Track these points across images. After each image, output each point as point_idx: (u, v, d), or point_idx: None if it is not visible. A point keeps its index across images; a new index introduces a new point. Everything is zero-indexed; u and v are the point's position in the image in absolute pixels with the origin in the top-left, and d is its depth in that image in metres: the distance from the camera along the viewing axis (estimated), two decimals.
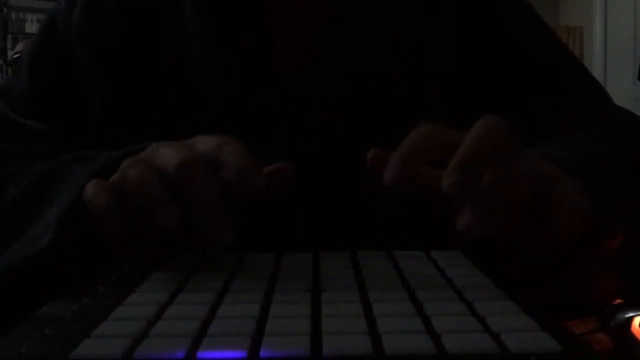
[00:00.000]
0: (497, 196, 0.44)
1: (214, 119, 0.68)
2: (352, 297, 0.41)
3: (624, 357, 0.34)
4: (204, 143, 0.52)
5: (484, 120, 0.46)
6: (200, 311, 0.38)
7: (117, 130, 0.71)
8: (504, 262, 0.46)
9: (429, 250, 0.52)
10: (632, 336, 0.36)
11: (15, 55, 3.53)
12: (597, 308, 0.40)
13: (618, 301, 0.42)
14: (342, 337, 0.34)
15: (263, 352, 0.32)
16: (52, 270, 0.51)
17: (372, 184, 0.51)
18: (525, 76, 0.72)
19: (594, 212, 0.49)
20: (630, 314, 0.37)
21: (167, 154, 0.49)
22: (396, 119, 0.70)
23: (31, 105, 0.72)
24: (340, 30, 0.70)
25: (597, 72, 4.24)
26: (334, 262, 0.50)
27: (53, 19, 0.75)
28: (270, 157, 0.67)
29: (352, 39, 0.70)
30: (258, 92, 0.69)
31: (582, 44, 4.73)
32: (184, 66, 0.70)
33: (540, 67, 0.73)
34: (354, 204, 0.65)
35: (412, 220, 0.62)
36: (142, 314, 0.38)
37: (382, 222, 0.63)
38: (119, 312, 0.39)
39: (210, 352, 0.32)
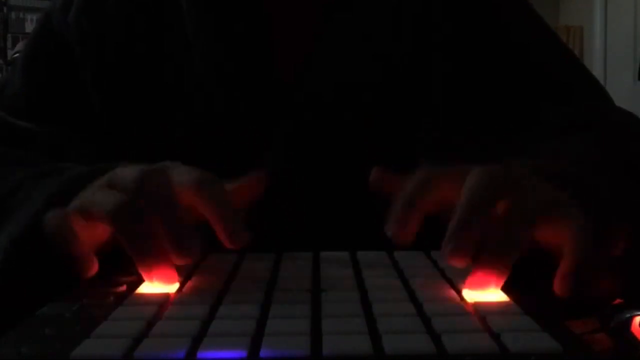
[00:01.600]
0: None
1: (212, 120, 0.68)
2: (352, 297, 0.41)
3: (624, 357, 0.34)
4: (180, 174, 0.48)
5: (476, 173, 0.46)
6: (200, 311, 0.38)
7: (116, 130, 0.71)
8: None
9: (429, 251, 0.52)
10: (632, 336, 0.36)
11: (15, 55, 3.53)
12: (597, 308, 0.40)
13: (618, 301, 0.42)
14: (342, 337, 0.34)
15: (263, 352, 0.32)
16: (4, 291, 0.51)
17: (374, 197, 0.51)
18: (524, 77, 0.72)
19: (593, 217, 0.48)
20: (630, 314, 0.37)
21: (135, 180, 0.47)
22: (394, 120, 0.70)
23: (27, 105, 0.72)
24: (337, 33, 0.70)
25: (597, 72, 4.24)
26: (334, 262, 0.50)
27: (48, 19, 0.75)
28: (269, 158, 0.68)
29: (349, 42, 0.70)
30: (256, 94, 0.69)
31: (582, 44, 4.73)
32: (183, 67, 0.70)
33: (540, 68, 0.73)
34: (354, 204, 0.65)
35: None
36: (142, 314, 0.38)
37: (382, 222, 0.63)
38: (119, 312, 0.39)
39: (210, 352, 0.32)
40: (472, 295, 0.41)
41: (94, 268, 0.46)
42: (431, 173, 0.48)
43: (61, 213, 0.47)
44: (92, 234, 0.48)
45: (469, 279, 0.42)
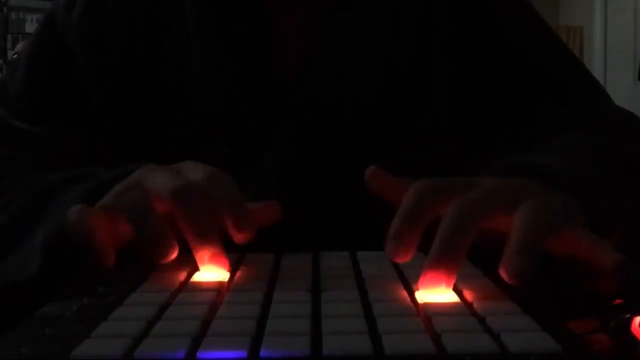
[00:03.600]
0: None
1: (212, 120, 0.68)
2: (352, 297, 0.41)
3: (624, 357, 0.34)
4: (194, 171, 0.51)
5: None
6: (200, 311, 0.38)
7: (116, 130, 0.71)
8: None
9: (427, 243, 0.52)
10: (632, 336, 0.36)
11: (15, 55, 3.53)
12: (597, 308, 0.40)
13: (618, 301, 0.42)
14: (342, 337, 0.34)
15: (263, 352, 0.32)
16: (40, 290, 0.51)
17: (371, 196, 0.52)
18: (525, 77, 0.72)
19: (588, 217, 0.48)
20: (630, 314, 0.37)
21: (160, 181, 0.49)
22: (394, 120, 0.70)
23: (30, 106, 0.72)
24: (337, 33, 0.70)
25: (597, 72, 4.24)
26: (334, 262, 0.50)
27: (51, 19, 0.75)
28: (270, 157, 0.68)
29: (349, 42, 0.70)
30: (256, 94, 0.69)
31: (582, 44, 4.73)
32: (183, 67, 0.70)
33: (540, 68, 0.73)
34: (354, 203, 0.65)
35: None
36: (142, 314, 0.38)
37: (382, 222, 0.63)
38: (119, 312, 0.39)
39: (210, 352, 0.32)
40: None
41: (112, 259, 0.47)
42: (428, 189, 0.47)
43: (79, 207, 0.48)
44: (113, 230, 0.48)
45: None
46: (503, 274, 0.42)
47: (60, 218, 0.50)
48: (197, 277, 0.46)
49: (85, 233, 0.47)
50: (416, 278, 0.43)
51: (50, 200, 0.56)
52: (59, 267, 0.50)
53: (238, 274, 0.47)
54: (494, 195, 0.46)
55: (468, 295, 0.41)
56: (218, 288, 0.43)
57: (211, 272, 0.46)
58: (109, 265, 0.47)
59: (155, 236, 0.47)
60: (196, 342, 0.33)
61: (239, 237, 0.49)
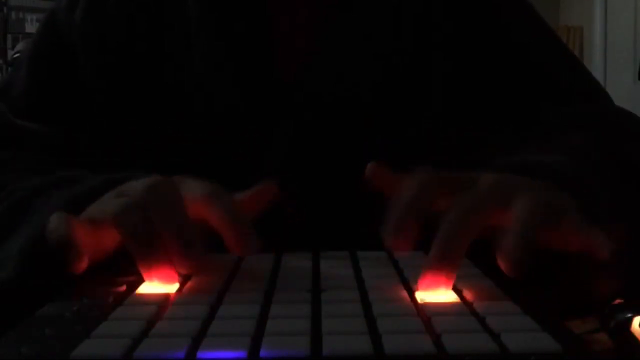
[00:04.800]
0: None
1: (212, 120, 0.68)
2: (352, 297, 0.41)
3: (624, 357, 0.34)
4: (192, 187, 0.49)
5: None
6: (200, 311, 0.38)
7: (116, 130, 0.71)
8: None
9: (429, 251, 0.52)
10: (632, 336, 0.36)
11: (15, 55, 3.53)
12: (597, 308, 0.40)
13: (618, 301, 0.42)
14: (342, 337, 0.34)
15: (263, 352, 0.32)
16: (16, 296, 0.51)
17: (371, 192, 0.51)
18: (525, 77, 0.72)
19: (587, 216, 0.49)
20: (630, 314, 0.37)
21: (152, 192, 0.47)
22: (394, 120, 0.70)
23: (31, 105, 0.72)
24: (337, 33, 0.70)
25: (597, 72, 4.24)
26: (334, 262, 0.50)
27: (53, 19, 0.75)
28: (270, 157, 0.68)
29: (349, 42, 0.70)
30: (256, 94, 0.69)
31: (582, 44, 4.73)
32: (184, 67, 0.70)
33: (540, 68, 0.73)
34: (354, 204, 0.65)
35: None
36: (142, 314, 0.38)
37: (382, 222, 0.63)
38: (119, 312, 0.39)
39: (210, 352, 0.32)
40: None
41: (83, 265, 0.46)
42: (427, 179, 0.47)
43: (62, 214, 0.48)
44: (96, 242, 0.48)
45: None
46: (501, 264, 0.42)
47: (44, 221, 0.49)
48: (197, 277, 0.46)
49: (62, 239, 0.46)
50: (416, 278, 0.43)
51: (36, 202, 0.55)
52: (37, 271, 0.50)
53: (238, 274, 0.47)
54: (492, 194, 0.47)
55: (468, 295, 0.41)
56: (218, 288, 0.43)
57: (211, 272, 0.46)
58: (79, 272, 0.46)
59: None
60: (196, 342, 0.33)
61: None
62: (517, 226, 0.43)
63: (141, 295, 0.43)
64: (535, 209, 0.44)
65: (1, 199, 0.58)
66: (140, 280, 0.45)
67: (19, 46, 3.72)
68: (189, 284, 0.45)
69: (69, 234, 0.46)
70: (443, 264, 0.42)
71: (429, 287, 0.41)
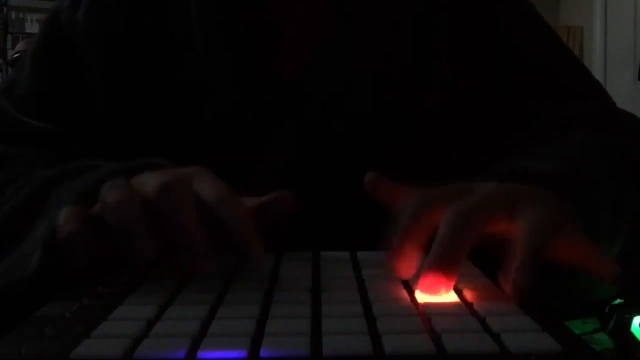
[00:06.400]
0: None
1: (215, 119, 0.68)
2: (352, 297, 0.41)
3: (624, 357, 0.34)
4: (205, 187, 0.49)
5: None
6: (200, 311, 0.38)
7: (122, 128, 0.71)
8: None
9: (429, 251, 0.52)
10: (632, 336, 0.36)
11: (16, 55, 3.53)
12: (597, 308, 0.40)
13: (618, 301, 0.42)
14: (342, 337, 0.34)
15: (263, 352, 0.32)
16: (40, 287, 0.51)
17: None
18: (525, 78, 0.72)
19: (589, 220, 0.48)
20: (630, 314, 0.37)
21: (147, 181, 0.48)
22: (395, 121, 0.70)
23: (36, 104, 0.72)
24: (340, 34, 0.70)
25: (597, 72, 4.24)
26: (334, 262, 0.50)
27: (56, 17, 0.75)
28: (271, 158, 0.68)
29: (351, 43, 0.70)
30: (259, 94, 0.69)
31: (582, 44, 4.73)
32: (187, 67, 0.70)
33: (540, 69, 0.73)
34: (354, 204, 0.65)
35: None
36: (142, 314, 0.38)
37: (382, 223, 0.63)
38: (119, 312, 0.39)
39: (210, 352, 0.32)
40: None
41: (82, 264, 0.46)
42: (427, 201, 0.46)
43: (67, 209, 0.48)
44: (102, 236, 0.48)
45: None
46: (504, 288, 0.42)
47: (54, 218, 0.50)
48: (197, 277, 0.46)
49: (63, 237, 0.46)
50: (417, 279, 0.43)
51: (53, 192, 0.55)
52: (59, 261, 0.50)
53: (238, 274, 0.47)
54: (492, 201, 0.46)
55: (468, 295, 0.41)
56: (218, 288, 0.43)
57: (211, 272, 0.46)
58: (78, 270, 0.46)
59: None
60: (196, 342, 0.33)
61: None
62: (522, 253, 0.42)
63: (141, 295, 0.43)
64: (540, 231, 0.43)
65: (14, 191, 0.58)
66: (140, 281, 0.45)
67: (19, 46, 3.72)
68: (189, 284, 0.45)
69: (71, 232, 0.46)
70: (442, 266, 0.41)
71: (427, 289, 0.41)
